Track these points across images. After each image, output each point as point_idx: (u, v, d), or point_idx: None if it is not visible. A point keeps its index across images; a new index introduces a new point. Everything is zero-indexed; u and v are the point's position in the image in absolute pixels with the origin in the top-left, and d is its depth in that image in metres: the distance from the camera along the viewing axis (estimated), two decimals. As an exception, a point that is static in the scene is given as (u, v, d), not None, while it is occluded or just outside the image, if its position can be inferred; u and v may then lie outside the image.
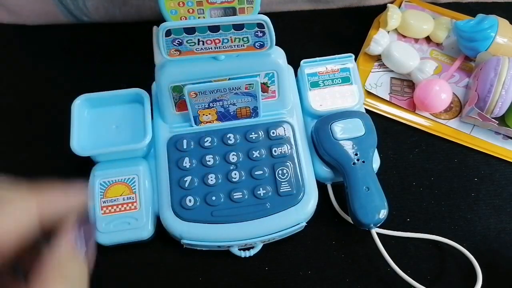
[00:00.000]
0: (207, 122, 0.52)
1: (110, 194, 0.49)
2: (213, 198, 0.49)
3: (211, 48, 0.46)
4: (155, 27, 0.53)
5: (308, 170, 0.51)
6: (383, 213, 0.48)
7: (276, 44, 0.47)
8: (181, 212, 0.48)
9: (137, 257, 0.51)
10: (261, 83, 0.51)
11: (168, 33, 0.44)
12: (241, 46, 0.46)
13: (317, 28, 0.66)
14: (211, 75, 0.49)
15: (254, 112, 0.53)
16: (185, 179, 0.50)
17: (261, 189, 0.49)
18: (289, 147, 0.52)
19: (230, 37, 0.45)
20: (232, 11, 0.46)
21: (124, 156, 0.51)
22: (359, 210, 0.48)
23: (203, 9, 0.45)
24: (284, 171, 0.50)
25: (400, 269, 0.48)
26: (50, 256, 0.29)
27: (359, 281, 0.50)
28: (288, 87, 0.53)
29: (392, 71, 0.62)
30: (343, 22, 0.66)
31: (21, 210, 0.29)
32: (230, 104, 0.51)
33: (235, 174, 0.50)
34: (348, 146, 0.51)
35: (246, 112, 0.52)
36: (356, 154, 0.50)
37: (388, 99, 0.60)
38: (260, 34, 0.45)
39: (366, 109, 0.58)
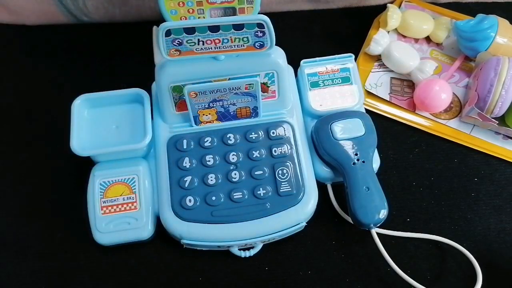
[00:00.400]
0: (207, 122, 0.52)
1: (110, 194, 0.49)
2: (213, 198, 0.49)
3: (211, 48, 0.46)
4: (155, 27, 0.53)
5: (308, 170, 0.51)
6: (383, 213, 0.48)
7: (276, 44, 0.47)
8: (181, 212, 0.48)
9: (137, 257, 0.51)
10: (261, 83, 0.51)
11: (168, 33, 0.44)
12: (241, 46, 0.46)
13: (317, 28, 0.66)
14: (211, 75, 0.49)
15: (254, 112, 0.53)
16: (185, 179, 0.50)
17: (261, 189, 0.49)
18: (289, 147, 0.52)
19: (230, 37, 0.45)
20: (232, 11, 0.46)
21: (124, 156, 0.51)
22: (359, 210, 0.48)
23: (203, 9, 0.45)
24: (284, 171, 0.50)
25: (400, 269, 0.48)
26: None
27: (359, 281, 0.50)
28: (288, 87, 0.53)
29: (392, 71, 0.62)
30: (343, 22, 0.66)
31: None
32: (230, 104, 0.51)
33: (235, 174, 0.50)
34: (348, 146, 0.51)
35: (246, 112, 0.52)
36: (356, 154, 0.50)
37: (388, 99, 0.60)
38: (260, 34, 0.45)
39: (366, 109, 0.58)
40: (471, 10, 0.66)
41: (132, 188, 0.50)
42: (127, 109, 0.52)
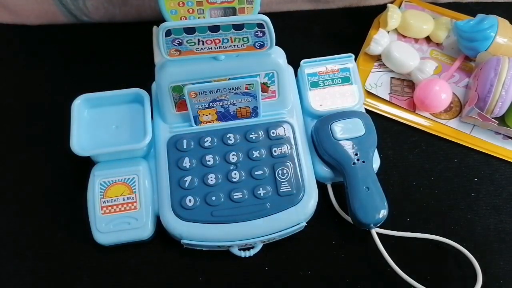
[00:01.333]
0: (207, 122, 0.52)
1: (110, 194, 0.49)
2: (213, 198, 0.49)
3: (211, 48, 0.46)
4: (155, 27, 0.53)
5: (308, 170, 0.51)
6: (383, 213, 0.48)
7: (276, 44, 0.47)
8: (181, 212, 0.48)
9: (137, 257, 0.51)
10: (261, 83, 0.51)
11: (168, 33, 0.44)
12: (241, 46, 0.46)
13: (317, 28, 0.66)
14: (211, 75, 0.49)
15: (254, 112, 0.53)
16: (185, 179, 0.50)
17: (261, 189, 0.49)
18: (289, 147, 0.52)
19: (230, 37, 0.45)
20: (232, 11, 0.46)
21: (124, 156, 0.51)
22: (359, 210, 0.48)
23: (203, 9, 0.45)
24: (284, 171, 0.50)
25: (400, 269, 0.48)
26: None
27: (359, 281, 0.50)
28: (288, 87, 0.53)
29: (392, 71, 0.62)
30: (343, 22, 0.67)
31: None
32: (230, 104, 0.51)
33: (235, 174, 0.50)
34: (348, 146, 0.51)
35: (246, 112, 0.52)
36: (356, 154, 0.50)
37: (388, 99, 0.60)
38: (260, 34, 0.45)
39: (366, 109, 0.57)
40: (471, 10, 0.66)
41: (132, 188, 0.50)
42: (127, 109, 0.52)
